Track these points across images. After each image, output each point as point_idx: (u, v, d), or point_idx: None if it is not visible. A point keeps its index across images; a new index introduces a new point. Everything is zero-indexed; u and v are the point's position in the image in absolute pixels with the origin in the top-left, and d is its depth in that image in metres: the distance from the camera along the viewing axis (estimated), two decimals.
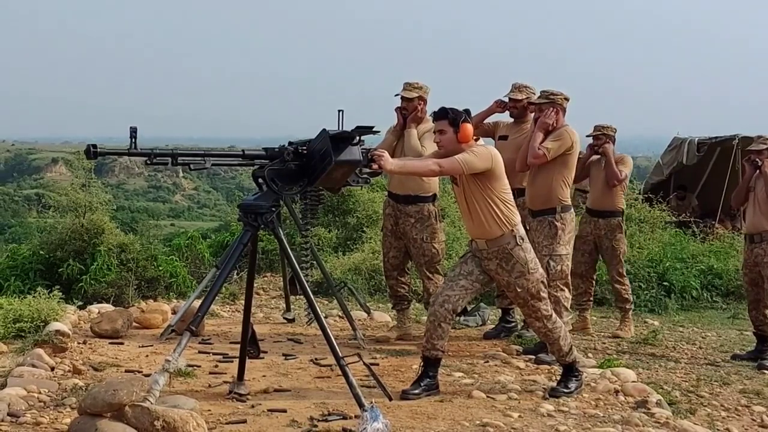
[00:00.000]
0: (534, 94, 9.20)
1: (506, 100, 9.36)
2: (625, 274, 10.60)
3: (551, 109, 8.63)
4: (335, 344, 6.31)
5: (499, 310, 9.98)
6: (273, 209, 6.48)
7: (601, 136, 10.30)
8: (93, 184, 13.40)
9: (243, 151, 6.59)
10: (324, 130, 6.42)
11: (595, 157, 10.40)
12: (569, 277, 8.70)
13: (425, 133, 8.86)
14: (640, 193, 18.00)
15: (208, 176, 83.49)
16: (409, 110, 9.07)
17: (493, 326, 9.95)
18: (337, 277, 12.44)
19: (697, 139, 18.92)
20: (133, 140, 5.98)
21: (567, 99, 8.76)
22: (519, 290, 7.05)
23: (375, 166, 6.65)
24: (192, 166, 6.35)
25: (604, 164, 10.24)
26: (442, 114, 6.99)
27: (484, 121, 9.44)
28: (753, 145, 9.65)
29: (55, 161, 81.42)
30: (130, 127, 5.98)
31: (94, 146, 5.98)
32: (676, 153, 19.07)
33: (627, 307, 10.50)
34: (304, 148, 6.48)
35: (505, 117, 9.55)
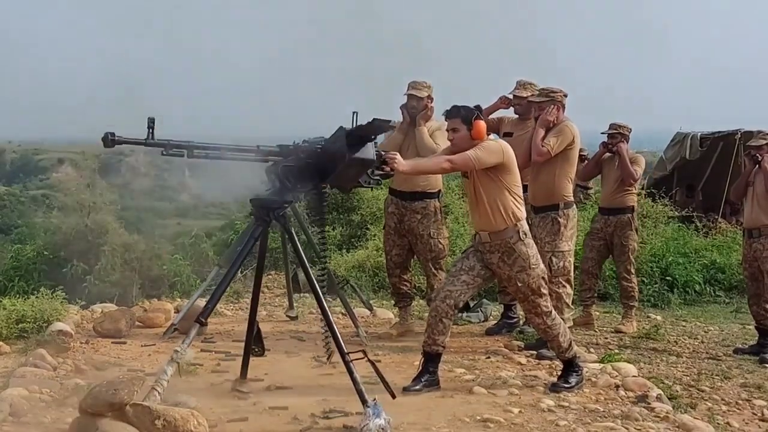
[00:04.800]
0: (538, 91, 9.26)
1: (511, 97, 9.40)
2: (633, 271, 10.58)
3: (552, 106, 8.68)
4: (341, 341, 6.33)
5: (502, 306, 9.99)
6: (285, 205, 6.51)
7: (617, 135, 10.30)
8: (98, 184, 13.41)
9: (258, 146, 6.59)
10: (341, 127, 6.38)
11: (607, 154, 10.39)
12: (571, 273, 8.72)
13: (436, 131, 8.87)
14: (643, 188, 17.95)
15: None
16: (418, 109, 9.07)
17: (496, 322, 9.96)
18: (341, 274, 12.46)
19: (699, 134, 18.90)
20: (151, 131, 6.01)
21: (566, 95, 8.82)
22: (519, 285, 7.08)
23: (387, 168, 6.64)
24: (209, 157, 6.36)
25: (618, 163, 10.24)
26: (454, 113, 7.03)
27: (489, 117, 9.48)
28: (753, 140, 9.70)
29: (61, 161, 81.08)
30: (149, 118, 6.02)
31: (113, 134, 6.00)
32: (679, 148, 19.04)
33: (631, 304, 10.51)
34: (320, 146, 6.48)
35: (510, 113, 9.59)
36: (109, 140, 6.00)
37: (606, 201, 10.49)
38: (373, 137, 6.41)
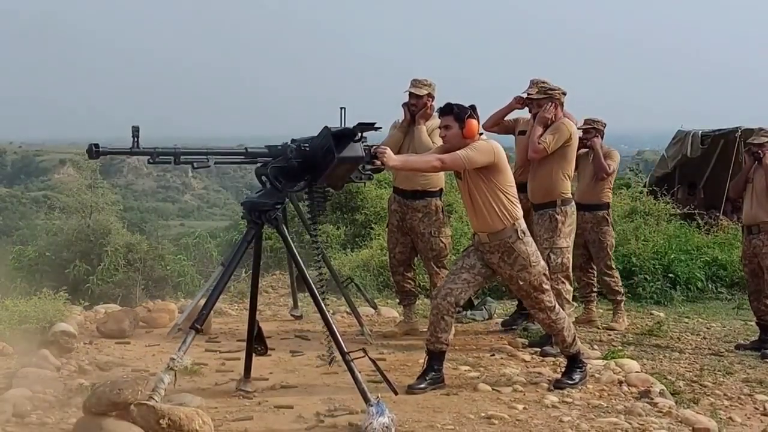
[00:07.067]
0: None
1: (525, 96, 9.42)
2: (613, 266, 10.61)
3: (550, 104, 8.72)
4: (340, 340, 6.33)
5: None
6: (277, 206, 6.51)
7: (591, 130, 10.31)
8: (100, 184, 13.44)
9: (246, 149, 6.60)
10: (326, 127, 6.42)
11: (583, 150, 10.39)
12: (570, 270, 8.74)
13: (434, 129, 8.85)
14: (645, 186, 18.00)
15: (217, 175, 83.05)
16: (418, 107, 9.06)
17: (510, 315, 9.98)
18: (346, 273, 12.48)
19: (700, 131, 18.93)
20: (136, 139, 5.98)
21: (564, 93, 8.87)
22: (521, 283, 7.09)
23: (378, 163, 6.66)
24: (195, 165, 6.35)
25: (592, 158, 10.26)
26: (447, 110, 7.04)
27: (505, 118, 9.51)
28: (754, 137, 9.76)
29: (63, 162, 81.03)
30: (133, 127, 5.98)
31: (96, 145, 5.97)
32: (681, 146, 19.07)
33: (618, 299, 10.54)
34: (307, 145, 6.49)
35: (525, 113, 9.61)
36: (94, 151, 5.96)
37: (581, 196, 10.44)
38: (357, 137, 6.43)
